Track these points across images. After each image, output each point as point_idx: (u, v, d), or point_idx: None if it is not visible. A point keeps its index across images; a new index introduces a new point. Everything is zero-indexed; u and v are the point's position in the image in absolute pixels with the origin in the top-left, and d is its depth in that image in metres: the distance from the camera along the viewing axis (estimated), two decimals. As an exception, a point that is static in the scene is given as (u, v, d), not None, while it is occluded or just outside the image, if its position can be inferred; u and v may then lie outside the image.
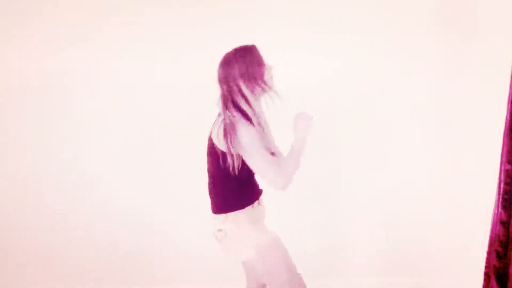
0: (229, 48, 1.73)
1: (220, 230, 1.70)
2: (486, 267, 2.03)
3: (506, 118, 1.89)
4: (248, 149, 1.58)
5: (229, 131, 1.57)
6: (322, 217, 2.71)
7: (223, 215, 1.70)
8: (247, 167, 1.65)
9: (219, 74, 1.70)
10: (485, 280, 2.02)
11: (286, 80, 2.13)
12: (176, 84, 2.57)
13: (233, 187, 1.68)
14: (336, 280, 2.69)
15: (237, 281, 2.25)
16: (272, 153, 1.74)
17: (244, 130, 1.58)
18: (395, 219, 2.71)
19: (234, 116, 1.61)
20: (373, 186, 2.69)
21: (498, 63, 2.34)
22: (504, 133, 1.90)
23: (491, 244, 1.98)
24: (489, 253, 1.99)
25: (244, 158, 1.62)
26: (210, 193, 1.77)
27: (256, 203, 1.74)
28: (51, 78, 2.55)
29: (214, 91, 1.73)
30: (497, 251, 1.93)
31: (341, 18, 2.55)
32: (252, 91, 1.66)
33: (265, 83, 1.67)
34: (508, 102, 1.88)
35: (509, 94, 1.87)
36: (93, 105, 2.58)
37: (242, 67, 1.65)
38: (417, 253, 2.74)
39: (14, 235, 2.67)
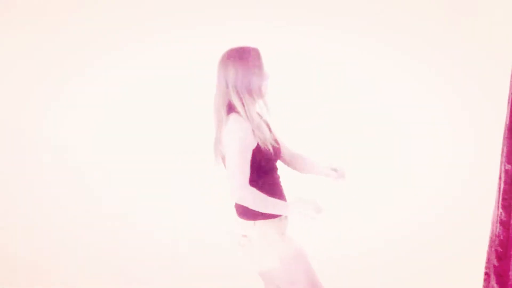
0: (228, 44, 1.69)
1: (245, 236, 1.65)
2: (486, 267, 2.02)
3: (506, 118, 1.88)
4: (230, 147, 1.53)
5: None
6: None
7: (251, 222, 1.63)
8: (271, 175, 1.64)
9: (217, 72, 1.62)
10: (485, 280, 2.02)
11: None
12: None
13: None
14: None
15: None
16: (275, 148, 1.63)
17: (233, 126, 1.54)
18: (395, 219, 2.70)
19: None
20: (372, 186, 2.69)
21: (498, 63, 2.34)
22: (504, 133, 1.90)
23: (491, 244, 1.98)
24: (489, 253, 1.99)
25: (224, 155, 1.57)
26: None
27: (284, 215, 1.67)
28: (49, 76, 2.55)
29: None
30: (497, 251, 1.92)
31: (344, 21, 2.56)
32: (246, 95, 1.58)
33: (257, 93, 1.61)
34: (508, 102, 1.87)
35: (509, 94, 1.87)
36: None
37: (237, 72, 1.57)
38: (417, 253, 2.74)
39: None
